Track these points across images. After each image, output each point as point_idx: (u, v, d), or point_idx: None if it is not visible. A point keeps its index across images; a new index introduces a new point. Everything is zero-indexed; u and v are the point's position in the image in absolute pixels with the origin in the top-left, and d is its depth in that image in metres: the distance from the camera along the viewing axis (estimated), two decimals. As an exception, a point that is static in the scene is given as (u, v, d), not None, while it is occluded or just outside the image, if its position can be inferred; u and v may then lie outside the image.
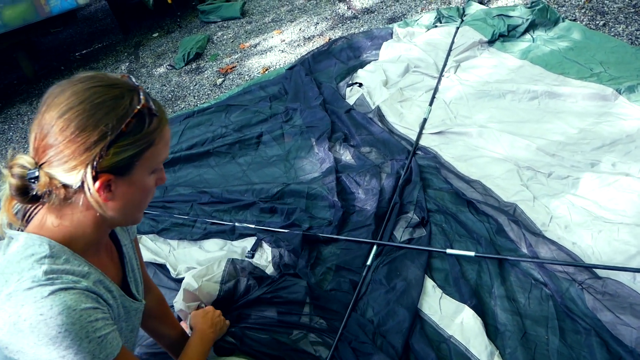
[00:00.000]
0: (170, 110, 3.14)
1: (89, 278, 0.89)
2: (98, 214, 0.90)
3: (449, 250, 1.73)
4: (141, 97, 0.88)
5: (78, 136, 0.82)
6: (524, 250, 1.72)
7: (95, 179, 0.84)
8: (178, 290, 1.88)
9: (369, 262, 1.77)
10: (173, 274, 1.93)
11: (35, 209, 0.94)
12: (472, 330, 1.47)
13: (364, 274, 1.73)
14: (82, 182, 0.84)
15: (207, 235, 2.06)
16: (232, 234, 2.01)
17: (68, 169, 0.83)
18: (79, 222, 0.91)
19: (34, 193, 0.85)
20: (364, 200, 2.03)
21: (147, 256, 2.00)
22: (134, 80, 0.91)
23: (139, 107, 0.86)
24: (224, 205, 2.14)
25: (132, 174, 0.89)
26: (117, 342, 0.88)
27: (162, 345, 1.48)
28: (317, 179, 2.19)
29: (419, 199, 1.94)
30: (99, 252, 1.01)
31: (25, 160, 0.84)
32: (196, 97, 3.24)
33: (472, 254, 1.69)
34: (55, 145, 0.82)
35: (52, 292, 0.81)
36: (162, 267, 1.99)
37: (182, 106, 3.17)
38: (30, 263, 0.83)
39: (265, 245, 1.93)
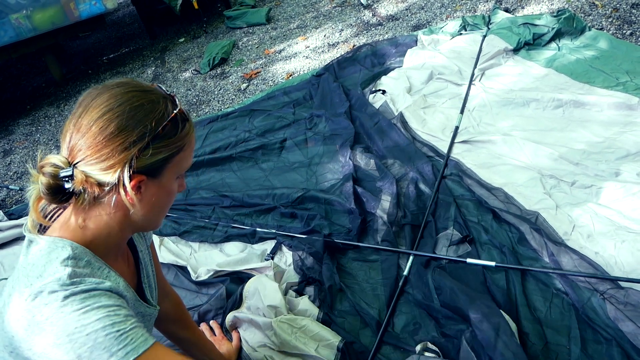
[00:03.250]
0: (195, 114, 3.20)
1: (110, 279, 0.92)
2: (124, 216, 0.93)
3: (469, 260, 1.73)
4: (177, 102, 0.92)
5: (117, 136, 0.85)
6: (546, 259, 1.71)
7: (130, 178, 0.87)
8: (198, 292, 1.93)
9: (405, 272, 1.78)
10: (193, 276, 1.96)
11: (58, 210, 0.96)
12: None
13: (400, 284, 1.74)
14: (118, 181, 0.87)
15: (227, 239, 2.10)
16: (253, 238, 2.04)
17: (105, 167, 0.85)
18: (105, 224, 0.93)
19: (68, 191, 0.87)
20: (382, 211, 2.04)
21: (168, 258, 2.05)
22: (164, 88, 0.95)
23: (175, 111, 0.90)
24: (245, 209, 2.18)
25: (162, 176, 0.92)
26: (142, 339, 0.85)
27: (181, 348, 1.50)
28: (337, 186, 2.21)
29: (456, 216, 1.93)
30: (117, 257, 1.03)
31: (57, 159, 0.87)
32: (220, 102, 3.29)
33: (493, 264, 1.69)
34: (94, 144, 0.85)
35: (75, 294, 0.82)
36: (183, 270, 2.03)
37: (207, 110, 3.23)
38: (55, 266, 0.85)
39: (285, 249, 1.96)
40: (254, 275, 1.85)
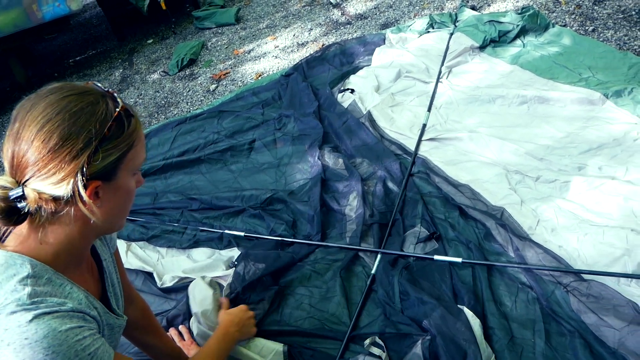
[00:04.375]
0: (163, 116, 3.16)
1: (72, 297, 0.88)
2: (85, 225, 0.90)
3: (436, 257, 1.74)
4: (117, 100, 0.89)
5: (63, 146, 0.81)
6: (511, 254, 1.73)
7: (85, 187, 0.84)
8: (167, 298, 1.90)
9: (373, 271, 1.77)
10: (158, 283, 1.93)
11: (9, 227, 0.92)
12: (473, 330, 1.46)
13: (368, 282, 1.74)
14: (74, 192, 0.83)
15: (196, 243, 2.06)
16: (221, 242, 2.01)
17: (57, 180, 0.82)
18: (66, 236, 0.90)
19: (23, 212, 0.83)
20: (350, 210, 2.04)
21: (135, 264, 2.01)
22: (100, 85, 0.92)
23: (118, 109, 0.87)
24: (214, 212, 2.15)
25: (117, 177, 0.90)
26: (107, 354, 0.87)
27: (149, 355, 1.48)
28: (305, 186, 2.20)
29: (424, 214, 1.94)
30: (81, 268, 1.00)
31: (3, 180, 0.83)
32: (189, 104, 3.25)
33: (460, 260, 1.71)
34: (40, 159, 0.81)
35: (37, 316, 0.79)
36: (150, 275, 1.99)
37: (175, 112, 3.18)
38: (13, 284, 0.82)
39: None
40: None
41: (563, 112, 2.28)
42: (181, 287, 1.88)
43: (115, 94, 0.91)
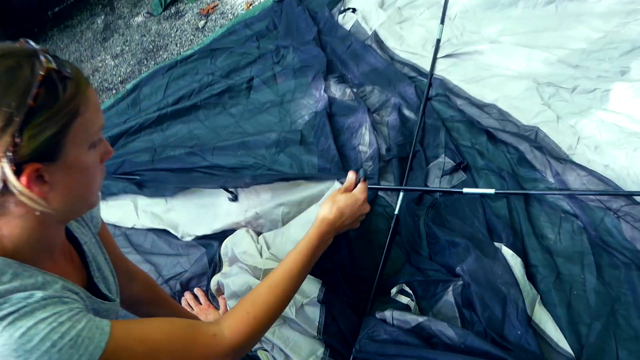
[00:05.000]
0: (153, 62, 2.93)
1: (44, 288, 0.75)
2: (40, 214, 0.74)
3: (465, 190, 1.55)
4: (42, 60, 0.69)
5: None
6: (551, 179, 1.54)
7: (18, 173, 0.68)
8: (179, 257, 1.77)
9: (396, 211, 1.60)
10: (178, 236, 1.79)
11: None
12: (513, 271, 1.31)
13: (392, 225, 1.57)
14: (5, 182, 0.67)
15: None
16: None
17: None
18: (22, 228, 0.75)
19: None
20: (363, 146, 1.84)
21: (147, 224, 1.86)
22: (32, 43, 0.72)
23: (42, 72, 0.68)
24: (218, 171, 1.97)
25: (64, 155, 0.72)
26: (99, 331, 0.73)
27: None
28: (311, 123, 2.00)
29: (447, 142, 1.73)
30: (54, 257, 0.86)
31: None
32: (178, 45, 3.00)
33: (492, 191, 1.52)
34: None
35: (2, 318, 0.67)
36: (163, 233, 1.85)
37: (165, 56, 2.95)
38: None
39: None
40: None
41: (597, 7, 1.99)
42: (201, 243, 1.75)
43: (43, 53, 0.70)
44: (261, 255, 1.50)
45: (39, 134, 0.68)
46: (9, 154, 0.66)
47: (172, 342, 0.82)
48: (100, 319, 0.75)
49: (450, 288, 1.35)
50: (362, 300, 1.44)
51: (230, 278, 1.51)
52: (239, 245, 1.56)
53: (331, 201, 1.18)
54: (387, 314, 1.32)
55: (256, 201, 1.68)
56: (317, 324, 1.31)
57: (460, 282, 1.34)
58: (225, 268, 1.64)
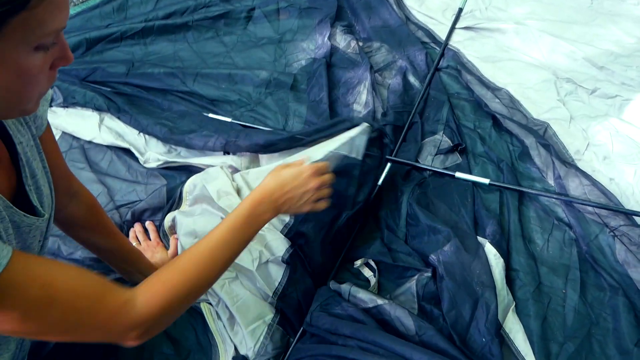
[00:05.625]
0: (150, -32, 2.67)
1: None
2: None
3: (458, 174, 1.43)
4: None
5: None
6: (550, 181, 1.43)
7: None
8: (135, 184, 1.61)
9: (379, 182, 1.47)
10: (141, 160, 1.62)
11: None
12: (492, 272, 1.20)
13: (372, 195, 1.44)
14: None
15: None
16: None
17: None
18: None
19: None
20: (358, 105, 1.69)
21: (108, 139, 1.68)
22: None
23: None
24: (197, 99, 1.79)
25: None
26: None
27: (102, 259, 1.23)
28: (306, 69, 1.83)
29: (449, 119, 1.59)
30: None
31: None
32: (182, -44, 2.75)
33: (487, 181, 1.40)
34: None
35: None
36: (124, 153, 1.68)
37: (165, -35, 2.69)
38: None
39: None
40: None
41: (635, 11, 1.85)
42: (163, 173, 1.59)
43: None
44: (239, 195, 1.35)
45: None
46: None
47: (76, 297, 0.68)
48: (3, 246, 0.61)
49: (416, 277, 1.24)
50: (324, 265, 1.33)
51: (192, 217, 1.36)
52: (211, 182, 1.40)
53: (273, 172, 1.00)
54: (345, 288, 1.20)
55: (247, 157, 1.52)
56: (276, 284, 1.19)
57: (428, 275, 1.23)
58: (185, 207, 1.49)
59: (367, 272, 1.30)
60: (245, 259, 1.20)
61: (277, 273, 1.21)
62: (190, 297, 0.81)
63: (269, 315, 1.17)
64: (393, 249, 1.32)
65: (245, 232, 0.90)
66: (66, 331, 0.70)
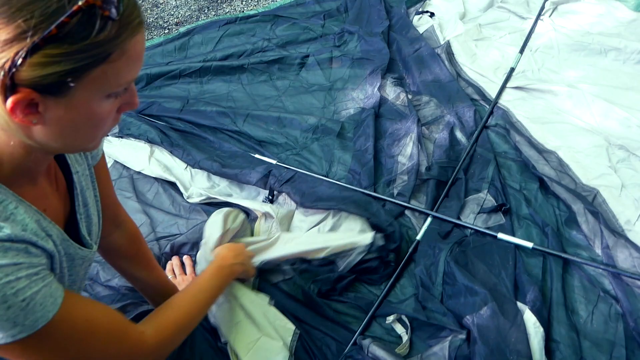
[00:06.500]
0: (214, 13, 2.80)
1: (15, 220, 0.64)
2: (26, 137, 0.64)
3: (500, 235, 1.40)
4: None
5: None
6: (598, 250, 1.37)
7: (10, 91, 0.56)
8: (177, 218, 1.65)
9: (418, 237, 1.46)
10: (185, 195, 1.67)
11: None
12: (531, 342, 1.15)
13: (409, 249, 1.44)
14: None
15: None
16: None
17: None
18: (3, 144, 0.65)
19: None
20: (403, 157, 1.69)
21: (157, 172, 1.74)
22: None
23: (80, 3, 0.55)
24: (245, 139, 1.85)
25: (69, 95, 0.60)
26: (51, 300, 0.66)
27: (137, 289, 1.26)
28: (354, 117, 1.86)
29: (494, 178, 1.58)
30: (36, 181, 0.75)
31: None
32: (244, 2, 2.87)
33: (530, 245, 1.36)
34: None
35: None
36: (169, 186, 1.73)
37: (227, 10, 2.82)
38: None
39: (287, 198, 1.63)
40: None
41: (695, 81, 1.80)
42: (205, 209, 1.63)
43: None
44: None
45: (47, 65, 0.56)
46: (8, 69, 0.55)
47: (111, 329, 0.78)
48: (57, 286, 0.67)
49: (449, 339, 1.20)
50: (356, 321, 1.31)
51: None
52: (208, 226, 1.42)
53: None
54: (365, 343, 1.18)
55: (285, 208, 1.56)
56: None
57: (462, 337, 1.19)
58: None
59: (399, 329, 1.28)
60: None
61: None
62: (187, 330, 0.96)
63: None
64: (428, 308, 1.30)
65: (219, 283, 1.13)
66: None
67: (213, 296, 1.10)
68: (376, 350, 1.17)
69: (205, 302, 1.05)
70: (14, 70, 0.55)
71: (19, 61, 0.54)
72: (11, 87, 0.56)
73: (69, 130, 0.65)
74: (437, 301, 1.28)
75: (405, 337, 1.24)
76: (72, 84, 0.58)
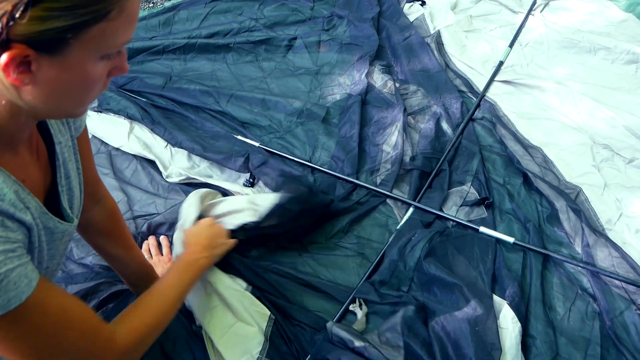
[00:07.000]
0: (201, -11, 2.74)
1: None
2: (13, 100, 0.61)
3: (482, 229, 1.39)
4: None
5: None
6: (578, 248, 1.37)
7: (5, 47, 0.53)
8: (155, 197, 1.60)
9: (398, 227, 1.44)
10: (164, 174, 1.63)
11: None
12: (507, 337, 1.14)
13: (390, 239, 1.41)
14: None
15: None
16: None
17: None
18: None
19: None
20: (387, 146, 1.67)
21: (136, 149, 1.69)
22: None
23: None
24: (229, 120, 1.80)
25: (65, 54, 0.57)
26: (26, 281, 0.63)
27: (113, 268, 1.22)
28: (340, 103, 1.83)
29: (478, 171, 1.56)
30: (17, 149, 0.71)
31: None
32: (233, -20, 2.81)
33: (511, 240, 1.35)
34: None
35: None
36: (149, 164, 1.68)
37: (215, -13, 2.76)
38: None
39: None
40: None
41: (681, 84, 1.81)
42: (184, 189, 1.59)
43: None
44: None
45: (46, 20, 0.53)
46: (1, 22, 0.51)
47: (84, 324, 0.75)
48: (32, 269, 0.64)
49: (402, 310, 1.18)
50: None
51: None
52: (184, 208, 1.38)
53: (188, 235, 1.24)
54: (328, 326, 1.17)
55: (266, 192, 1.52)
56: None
57: (412, 307, 1.18)
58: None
59: (359, 312, 1.26)
60: None
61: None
62: (158, 330, 0.94)
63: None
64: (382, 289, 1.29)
65: (190, 277, 1.08)
66: (67, 356, 0.74)
67: (183, 292, 1.05)
68: (339, 331, 1.15)
69: (175, 300, 1.01)
70: (11, 23, 0.51)
71: (18, 14, 0.51)
72: (6, 42, 0.53)
73: (59, 92, 0.62)
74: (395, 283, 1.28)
75: (359, 314, 1.23)
76: (71, 41, 0.56)
